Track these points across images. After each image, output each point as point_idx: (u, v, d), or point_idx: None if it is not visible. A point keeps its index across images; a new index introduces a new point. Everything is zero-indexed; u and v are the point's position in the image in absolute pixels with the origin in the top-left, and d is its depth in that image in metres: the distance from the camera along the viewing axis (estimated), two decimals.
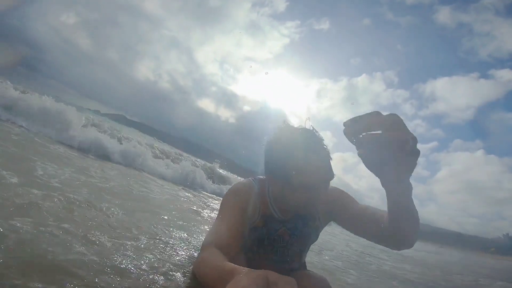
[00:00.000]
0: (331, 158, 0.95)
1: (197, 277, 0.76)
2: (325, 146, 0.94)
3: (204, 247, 0.83)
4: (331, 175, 0.93)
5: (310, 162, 0.90)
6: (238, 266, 0.58)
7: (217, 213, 1.02)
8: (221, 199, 1.07)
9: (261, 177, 1.09)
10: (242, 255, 1.06)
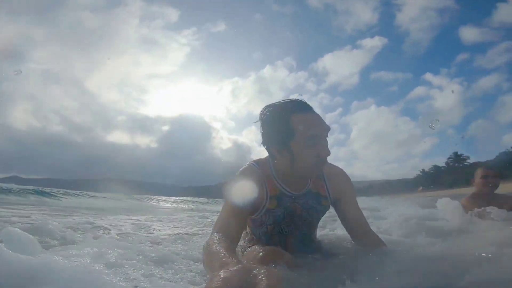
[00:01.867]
0: None
1: (203, 262, 0.79)
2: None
3: (212, 233, 0.87)
4: (328, 126, 1.01)
5: (311, 115, 0.99)
6: (232, 259, 0.59)
7: (225, 200, 1.02)
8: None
9: (260, 158, 1.13)
10: (249, 238, 1.18)
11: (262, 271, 0.47)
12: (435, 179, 61.47)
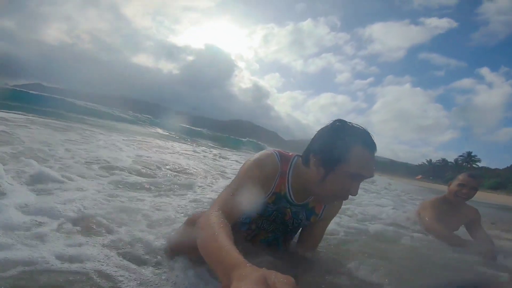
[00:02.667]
0: None
1: (197, 239, 0.71)
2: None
3: (212, 208, 0.82)
4: (373, 175, 0.96)
5: (369, 157, 0.93)
6: (241, 257, 0.56)
7: (235, 176, 0.98)
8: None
9: (283, 152, 1.08)
10: (240, 224, 1.10)
11: (279, 278, 0.47)
12: (438, 172, 61.09)
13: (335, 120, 1.01)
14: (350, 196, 0.98)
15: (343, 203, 1.24)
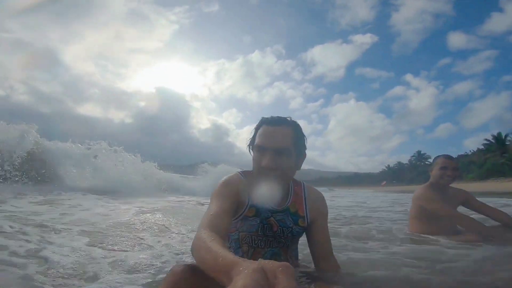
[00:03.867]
0: (303, 140, 1.11)
1: (194, 258, 0.73)
2: (292, 126, 1.08)
3: (200, 229, 0.81)
4: (279, 145, 1.03)
5: (268, 130, 1.06)
6: (237, 258, 0.56)
7: (209, 202, 1.02)
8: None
9: (247, 170, 1.17)
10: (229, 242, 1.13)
11: (277, 267, 0.47)
12: (398, 175, 64.66)
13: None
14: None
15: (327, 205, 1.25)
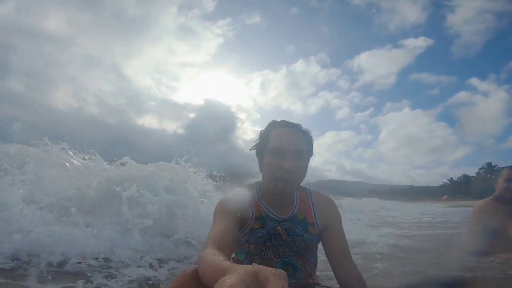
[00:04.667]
0: (311, 144, 1.12)
1: (200, 276, 0.71)
2: (305, 130, 1.10)
3: (203, 248, 0.83)
4: (300, 147, 1.04)
5: (284, 131, 1.07)
6: (233, 264, 0.56)
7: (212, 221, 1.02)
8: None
9: (249, 183, 1.19)
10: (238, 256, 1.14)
11: (270, 271, 0.47)
12: (463, 189, 59.43)
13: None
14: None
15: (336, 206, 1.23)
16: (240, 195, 1.12)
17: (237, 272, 0.49)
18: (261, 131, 1.15)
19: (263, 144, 1.10)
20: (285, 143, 1.04)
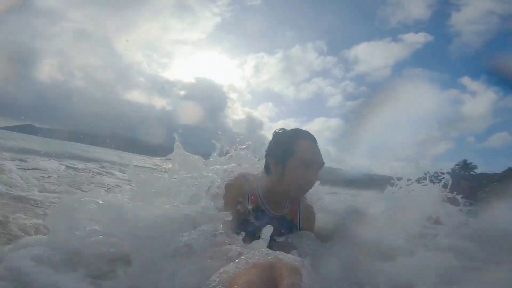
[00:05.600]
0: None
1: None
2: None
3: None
4: (323, 161, 1.15)
5: (312, 145, 1.15)
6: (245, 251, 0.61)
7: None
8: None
9: (248, 173, 1.24)
10: None
11: (286, 267, 0.49)
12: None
13: (276, 129, 1.22)
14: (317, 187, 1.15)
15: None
16: (243, 183, 1.17)
17: (253, 266, 0.51)
18: (277, 132, 1.22)
19: (284, 151, 1.14)
20: (313, 158, 1.13)
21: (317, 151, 1.16)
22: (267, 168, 1.20)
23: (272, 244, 1.06)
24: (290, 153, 1.13)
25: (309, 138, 1.17)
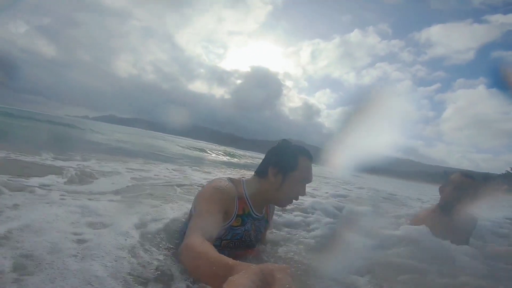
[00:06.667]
0: None
1: (185, 265, 0.75)
2: None
3: (189, 233, 0.83)
4: (312, 179, 1.22)
5: (310, 164, 1.21)
6: (234, 260, 0.58)
7: (196, 204, 1.04)
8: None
9: (233, 177, 1.22)
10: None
11: (275, 267, 0.50)
12: None
13: (282, 140, 1.26)
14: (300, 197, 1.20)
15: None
16: (231, 188, 1.13)
17: (244, 272, 0.52)
18: (282, 144, 1.24)
19: (288, 163, 1.18)
20: (310, 177, 1.21)
21: (311, 171, 1.23)
22: (263, 173, 1.20)
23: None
24: (294, 167, 1.17)
25: (310, 157, 1.22)
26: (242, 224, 1.16)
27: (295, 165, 1.17)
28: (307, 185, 1.22)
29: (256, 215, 1.21)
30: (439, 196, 1.79)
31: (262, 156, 1.25)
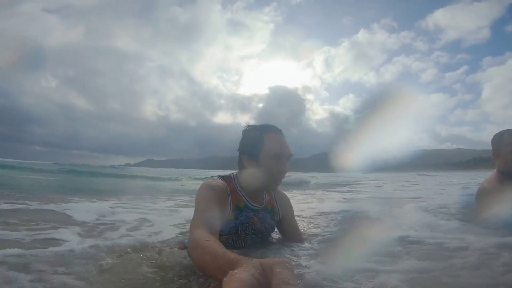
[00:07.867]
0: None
1: (193, 261, 0.77)
2: None
3: (193, 230, 0.86)
4: (291, 153, 1.20)
5: (280, 138, 1.19)
6: (237, 255, 0.60)
7: (196, 204, 1.07)
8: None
9: (223, 174, 1.25)
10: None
11: (274, 261, 0.51)
12: None
13: (246, 126, 1.27)
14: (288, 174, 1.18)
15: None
16: (223, 185, 1.18)
17: (244, 266, 0.53)
18: (245, 130, 1.26)
19: (254, 146, 1.18)
20: (283, 151, 1.18)
21: (285, 143, 1.21)
22: (240, 165, 1.25)
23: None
24: (261, 147, 1.17)
25: (276, 131, 1.21)
26: (236, 218, 1.18)
27: (261, 144, 1.18)
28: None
29: (255, 206, 1.23)
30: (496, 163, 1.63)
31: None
